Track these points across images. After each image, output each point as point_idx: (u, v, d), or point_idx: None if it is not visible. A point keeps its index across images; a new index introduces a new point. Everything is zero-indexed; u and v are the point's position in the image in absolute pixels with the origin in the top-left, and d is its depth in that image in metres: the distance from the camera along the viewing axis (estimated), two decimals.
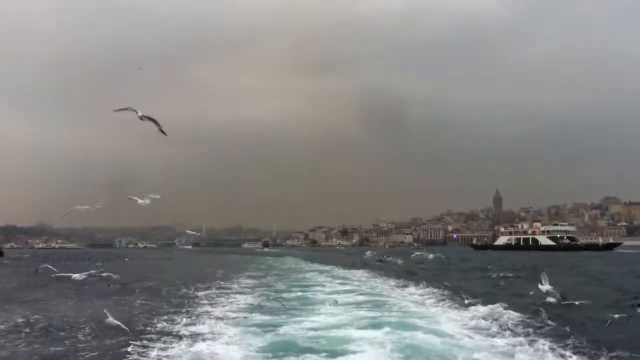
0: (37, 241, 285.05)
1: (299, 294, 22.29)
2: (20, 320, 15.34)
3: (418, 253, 45.84)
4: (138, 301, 19.77)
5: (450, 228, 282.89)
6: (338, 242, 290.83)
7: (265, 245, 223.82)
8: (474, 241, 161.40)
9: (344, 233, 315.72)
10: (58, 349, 11.96)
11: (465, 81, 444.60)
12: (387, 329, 12.89)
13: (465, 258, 68.24)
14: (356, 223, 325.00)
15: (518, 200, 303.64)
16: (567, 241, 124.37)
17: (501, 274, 34.07)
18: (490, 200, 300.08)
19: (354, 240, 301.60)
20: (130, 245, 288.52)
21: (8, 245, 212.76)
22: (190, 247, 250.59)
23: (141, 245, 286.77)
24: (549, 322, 14.07)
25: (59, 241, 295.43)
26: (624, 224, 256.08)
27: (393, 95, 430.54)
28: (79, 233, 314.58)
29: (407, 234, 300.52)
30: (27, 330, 14.08)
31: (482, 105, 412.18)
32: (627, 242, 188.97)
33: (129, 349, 11.50)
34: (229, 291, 23.84)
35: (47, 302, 19.79)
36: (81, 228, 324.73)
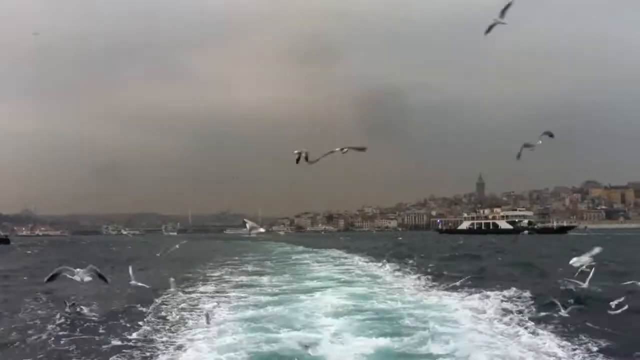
0: (23, 229, 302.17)
1: None
2: None
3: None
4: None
5: (434, 213, 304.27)
6: (324, 227, 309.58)
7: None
8: (440, 226, 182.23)
9: (330, 219, 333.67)
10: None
11: (451, 68, 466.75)
12: None
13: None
14: (342, 209, 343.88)
15: (501, 185, 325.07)
16: (525, 225, 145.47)
17: None
18: (473, 185, 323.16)
19: (340, 226, 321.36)
20: (114, 232, 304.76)
21: None
22: (175, 233, 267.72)
23: (124, 232, 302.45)
24: None
25: (42, 229, 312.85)
26: (603, 207, 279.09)
27: (381, 82, 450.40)
28: (63, 220, 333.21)
29: (391, 219, 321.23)
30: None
31: (467, 91, 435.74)
32: (597, 226, 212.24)
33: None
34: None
35: None
36: (65, 215, 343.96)
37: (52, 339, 12.90)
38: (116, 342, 12.53)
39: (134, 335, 13.26)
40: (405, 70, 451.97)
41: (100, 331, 13.71)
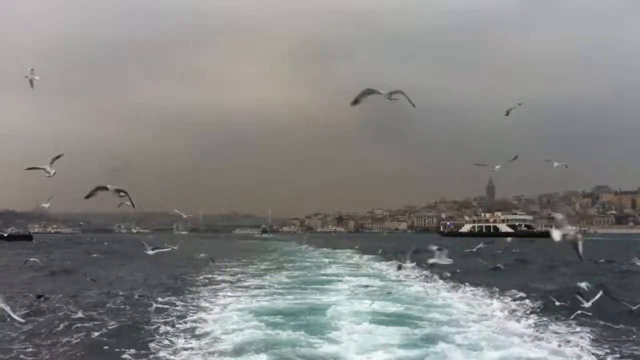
0: (36, 226, 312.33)
1: None
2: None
3: None
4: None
5: (444, 215, 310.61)
6: (334, 228, 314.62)
7: (264, 231, 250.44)
8: (442, 229, 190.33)
9: (340, 220, 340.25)
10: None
11: (453, 70, 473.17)
12: None
13: None
14: (352, 210, 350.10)
15: (512, 189, 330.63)
16: (525, 229, 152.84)
17: None
18: (484, 188, 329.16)
19: (350, 227, 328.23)
20: (124, 230, 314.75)
21: (9, 230, 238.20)
22: (186, 232, 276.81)
23: (134, 231, 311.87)
24: None
25: (54, 226, 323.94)
26: (613, 212, 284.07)
27: (384, 83, 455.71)
28: (75, 218, 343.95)
29: (401, 221, 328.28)
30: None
31: (479, 94, 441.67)
32: (606, 231, 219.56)
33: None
34: None
35: None
36: (76, 213, 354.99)
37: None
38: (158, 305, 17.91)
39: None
40: (408, 71, 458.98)
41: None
